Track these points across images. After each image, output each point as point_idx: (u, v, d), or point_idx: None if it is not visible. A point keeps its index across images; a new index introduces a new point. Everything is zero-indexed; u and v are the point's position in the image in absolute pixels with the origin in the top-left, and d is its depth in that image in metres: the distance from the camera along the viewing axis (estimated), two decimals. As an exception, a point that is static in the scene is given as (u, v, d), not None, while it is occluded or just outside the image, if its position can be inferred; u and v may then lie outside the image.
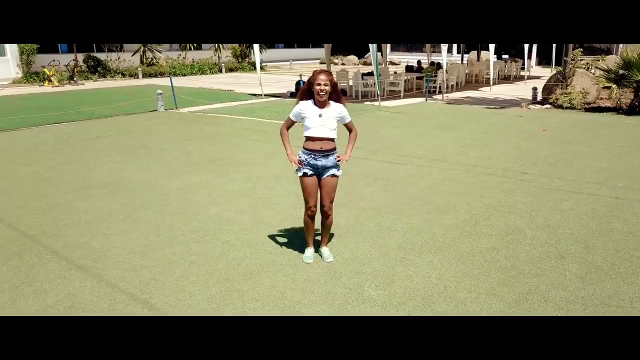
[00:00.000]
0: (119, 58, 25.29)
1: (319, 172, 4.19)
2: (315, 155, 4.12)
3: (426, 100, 15.21)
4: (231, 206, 5.82)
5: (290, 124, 4.25)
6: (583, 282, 3.99)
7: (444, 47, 17.35)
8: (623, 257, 4.40)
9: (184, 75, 25.52)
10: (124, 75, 24.40)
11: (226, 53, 29.30)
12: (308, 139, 4.13)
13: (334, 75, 5.38)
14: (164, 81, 20.54)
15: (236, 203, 5.93)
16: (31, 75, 21.35)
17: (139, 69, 24.23)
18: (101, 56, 24.57)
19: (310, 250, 4.46)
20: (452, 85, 18.32)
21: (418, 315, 3.55)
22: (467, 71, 21.18)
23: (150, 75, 24.36)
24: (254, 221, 5.34)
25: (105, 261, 4.44)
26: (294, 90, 17.21)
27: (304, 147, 4.17)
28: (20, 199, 6.18)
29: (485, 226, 5.15)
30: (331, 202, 4.31)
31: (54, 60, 21.86)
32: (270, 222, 5.31)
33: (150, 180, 6.92)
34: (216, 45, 27.69)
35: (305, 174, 4.17)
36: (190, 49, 27.92)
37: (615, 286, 3.91)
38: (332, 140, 4.15)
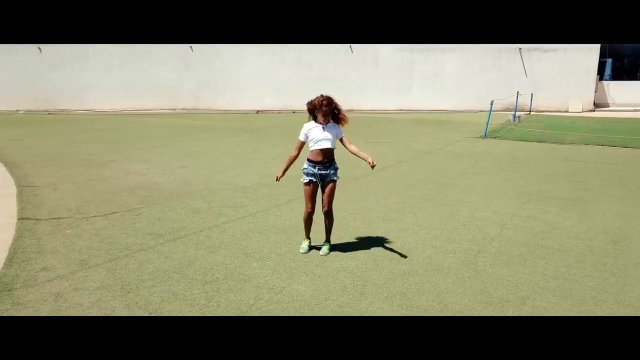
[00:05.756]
0: None
1: (321, 180, 4.93)
2: (319, 166, 4.87)
3: None
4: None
5: (300, 145, 4.98)
6: None
7: None
8: None
9: None
10: None
11: None
12: (313, 151, 4.87)
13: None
14: None
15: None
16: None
17: None
18: None
19: (306, 242, 5.21)
20: None
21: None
22: None
23: None
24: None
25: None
26: None
27: (309, 160, 4.90)
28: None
29: None
30: (331, 203, 4.99)
31: None
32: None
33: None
34: None
35: (311, 181, 4.92)
36: None
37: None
38: (333, 150, 4.89)
